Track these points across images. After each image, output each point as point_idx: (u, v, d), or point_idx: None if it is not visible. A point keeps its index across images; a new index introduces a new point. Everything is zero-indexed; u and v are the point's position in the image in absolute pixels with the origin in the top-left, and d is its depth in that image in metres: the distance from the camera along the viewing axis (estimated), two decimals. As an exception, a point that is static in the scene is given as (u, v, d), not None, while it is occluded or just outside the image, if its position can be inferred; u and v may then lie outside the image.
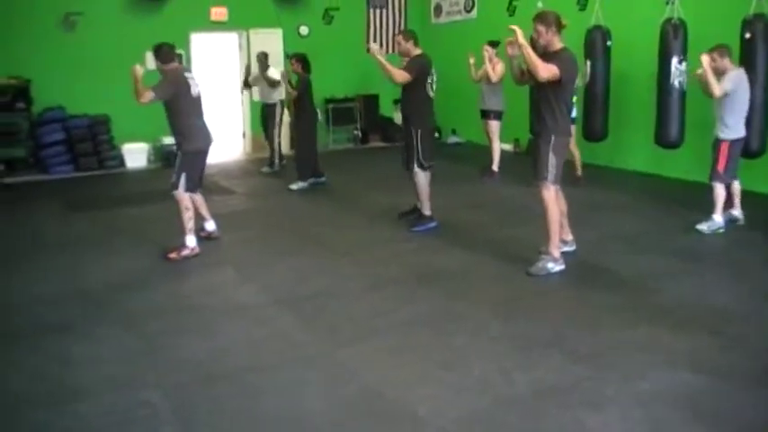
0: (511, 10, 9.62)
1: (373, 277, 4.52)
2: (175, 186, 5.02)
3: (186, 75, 5.03)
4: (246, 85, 9.11)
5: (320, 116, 8.12)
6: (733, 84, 5.10)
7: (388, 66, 5.39)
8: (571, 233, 4.83)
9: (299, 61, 7.39)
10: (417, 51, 5.51)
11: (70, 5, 9.20)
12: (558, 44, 4.26)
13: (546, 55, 4.22)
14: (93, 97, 9.09)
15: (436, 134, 10.02)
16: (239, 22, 10.23)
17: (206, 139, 5.16)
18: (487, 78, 7.68)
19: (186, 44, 9.78)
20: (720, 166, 5.25)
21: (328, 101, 10.82)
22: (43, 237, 5.86)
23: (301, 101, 7.41)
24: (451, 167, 8.30)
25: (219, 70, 11.98)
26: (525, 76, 4.48)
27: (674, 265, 4.61)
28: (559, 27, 4.25)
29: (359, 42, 11.19)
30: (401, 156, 5.82)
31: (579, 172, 7.14)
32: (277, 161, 8.70)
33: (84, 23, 9.26)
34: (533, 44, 4.27)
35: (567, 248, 4.72)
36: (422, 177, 5.60)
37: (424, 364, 3.26)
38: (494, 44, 7.55)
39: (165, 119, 5.03)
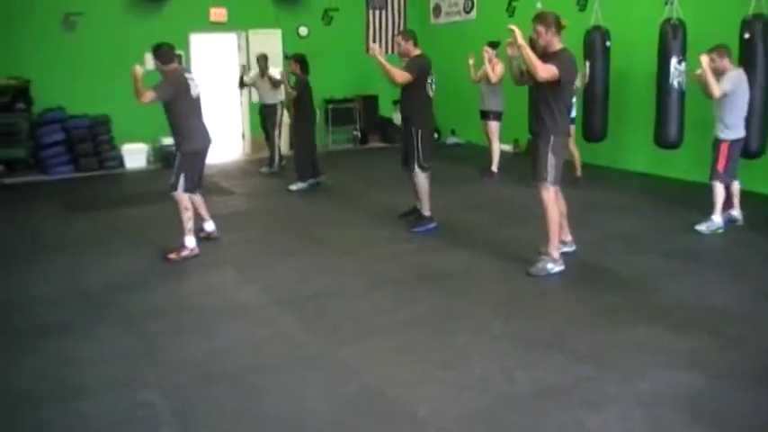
0: (510, 11, 9.62)
1: (374, 277, 4.53)
2: (174, 187, 5.02)
3: (186, 75, 5.04)
4: (242, 84, 9.07)
5: (318, 116, 8.10)
6: (732, 84, 5.10)
7: (389, 66, 5.39)
8: (570, 234, 4.83)
9: (298, 62, 7.38)
10: (417, 52, 5.51)
11: (70, 6, 9.20)
12: (557, 45, 4.27)
13: (545, 55, 4.23)
14: (92, 98, 9.09)
15: (435, 135, 10.04)
16: (238, 22, 10.23)
17: (205, 140, 5.16)
18: (487, 79, 7.68)
19: (186, 45, 9.78)
20: (720, 166, 5.26)
21: (328, 101, 10.82)
22: (43, 237, 5.86)
23: (300, 101, 7.41)
24: (451, 168, 8.30)
25: (219, 71, 11.97)
26: (524, 76, 4.49)
27: (673, 266, 4.62)
28: (559, 28, 4.25)
29: (358, 43, 11.20)
30: (400, 156, 5.82)
31: (579, 172, 7.14)
32: (276, 161, 8.70)
33: (84, 24, 9.26)
34: (533, 45, 4.28)
35: (566, 249, 4.73)
36: (422, 178, 5.60)
37: (425, 363, 3.26)
38: (493, 45, 7.54)
39: (164, 119, 5.04)
